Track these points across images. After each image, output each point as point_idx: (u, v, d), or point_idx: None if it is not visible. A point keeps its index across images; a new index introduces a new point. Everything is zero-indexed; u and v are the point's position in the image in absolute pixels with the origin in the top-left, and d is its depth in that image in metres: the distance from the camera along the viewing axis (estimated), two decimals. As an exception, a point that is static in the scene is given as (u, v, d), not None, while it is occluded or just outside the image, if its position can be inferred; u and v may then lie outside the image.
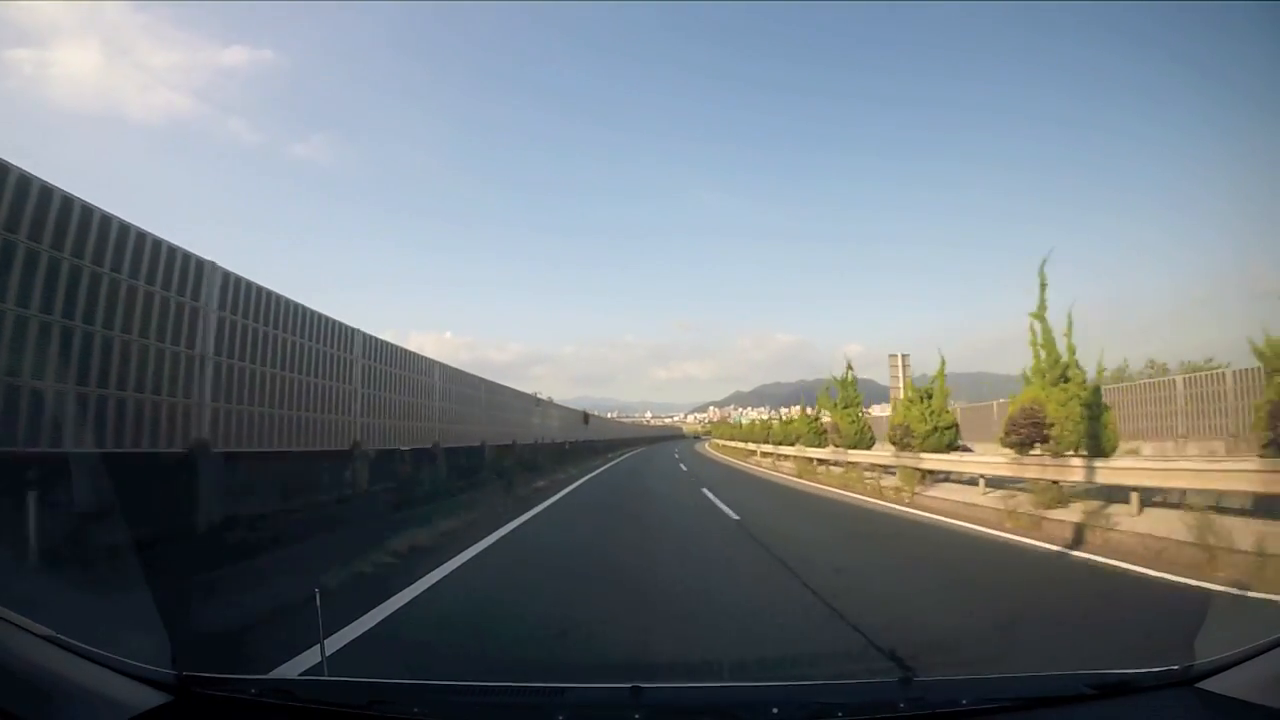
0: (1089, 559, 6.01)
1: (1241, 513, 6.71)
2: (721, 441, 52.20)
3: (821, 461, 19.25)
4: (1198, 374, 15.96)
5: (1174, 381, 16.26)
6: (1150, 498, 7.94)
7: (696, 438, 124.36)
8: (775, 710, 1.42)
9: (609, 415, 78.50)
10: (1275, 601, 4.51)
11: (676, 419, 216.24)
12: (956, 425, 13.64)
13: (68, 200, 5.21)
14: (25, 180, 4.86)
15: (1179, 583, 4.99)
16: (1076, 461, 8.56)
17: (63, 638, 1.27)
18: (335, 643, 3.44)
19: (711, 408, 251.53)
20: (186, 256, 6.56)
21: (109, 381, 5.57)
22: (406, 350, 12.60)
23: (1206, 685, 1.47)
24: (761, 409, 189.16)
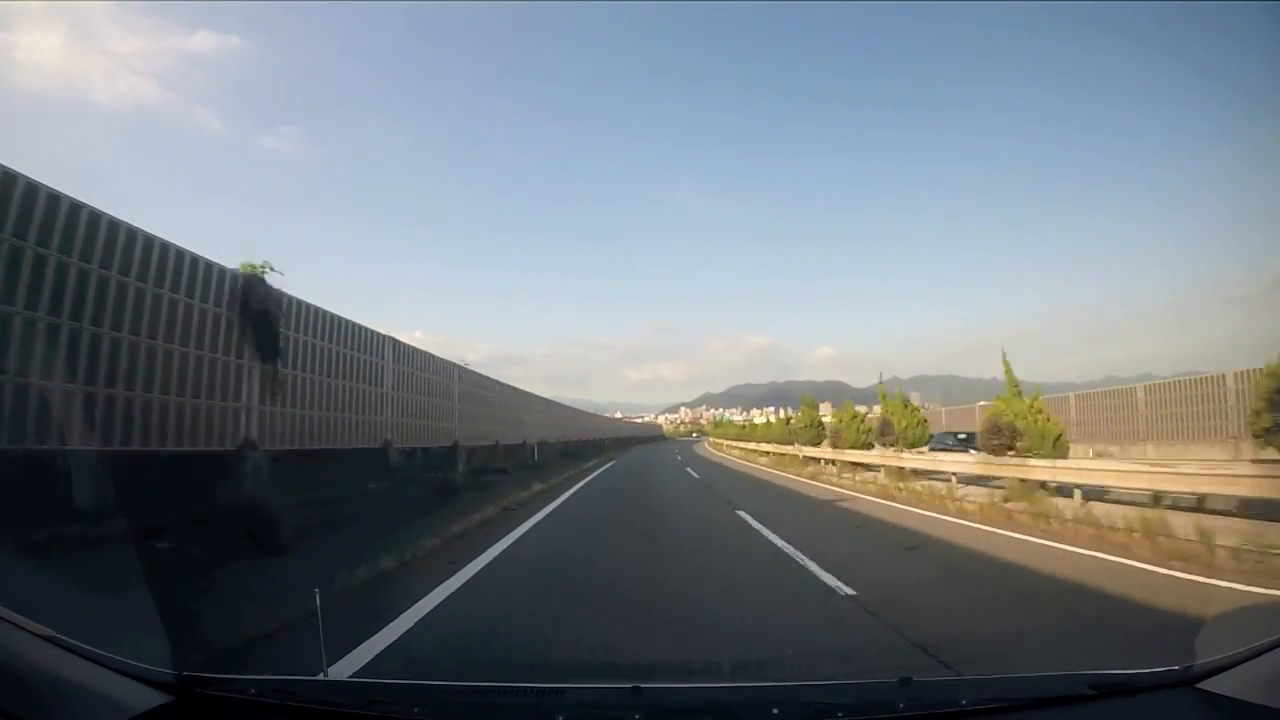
0: None
1: None
2: (764, 447, 31.20)
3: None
4: None
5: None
6: None
7: (693, 437, 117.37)
8: (776, 710, 1.42)
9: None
10: (1276, 600, 4.51)
11: (647, 419, 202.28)
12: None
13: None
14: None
15: None
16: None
17: (63, 638, 1.27)
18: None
19: (683, 408, 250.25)
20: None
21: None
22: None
23: (1207, 685, 1.47)
24: (733, 410, 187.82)
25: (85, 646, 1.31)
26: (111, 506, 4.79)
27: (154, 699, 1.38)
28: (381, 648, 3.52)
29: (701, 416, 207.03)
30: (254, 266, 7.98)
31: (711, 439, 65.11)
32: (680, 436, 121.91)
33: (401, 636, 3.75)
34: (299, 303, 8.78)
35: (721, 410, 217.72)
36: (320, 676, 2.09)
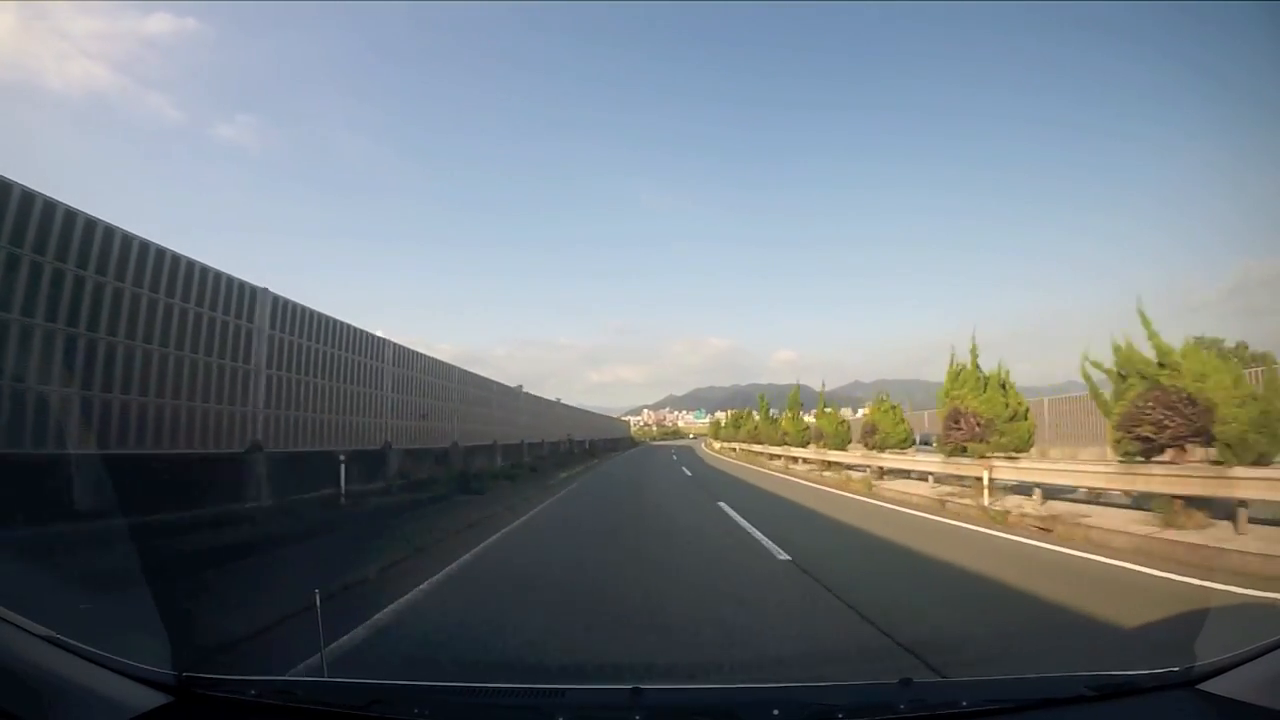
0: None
1: None
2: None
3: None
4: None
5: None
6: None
7: (692, 437, 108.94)
8: (776, 711, 1.42)
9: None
10: (1276, 601, 4.51)
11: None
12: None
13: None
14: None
15: None
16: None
17: (63, 638, 1.27)
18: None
19: (645, 410, 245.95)
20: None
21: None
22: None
23: (1207, 686, 1.47)
24: (696, 412, 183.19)
25: (85, 647, 1.31)
26: (111, 507, 4.76)
27: (154, 699, 1.38)
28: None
29: (665, 419, 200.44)
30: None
31: (719, 443, 49.12)
32: (654, 440, 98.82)
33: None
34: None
35: (683, 412, 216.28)
36: (320, 677, 2.09)
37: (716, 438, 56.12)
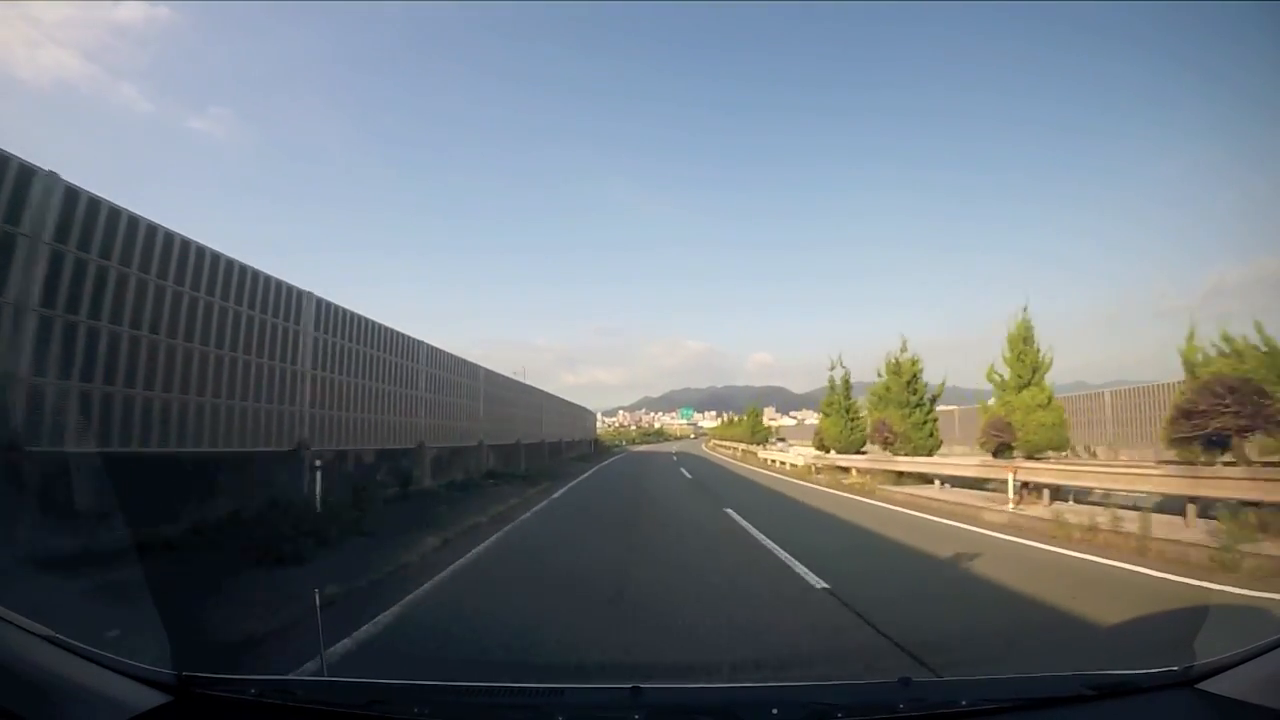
0: None
1: None
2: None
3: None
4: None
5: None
6: None
7: (692, 437, 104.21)
8: (775, 710, 1.42)
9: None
10: (1275, 601, 4.51)
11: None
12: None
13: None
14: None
15: None
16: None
17: (63, 638, 1.27)
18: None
19: (621, 412, 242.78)
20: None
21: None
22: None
23: (1206, 686, 1.47)
24: (672, 414, 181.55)
25: (85, 646, 1.31)
26: (113, 508, 4.77)
27: (154, 699, 1.38)
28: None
29: (642, 419, 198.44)
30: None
31: (799, 456, 28.47)
32: (633, 442, 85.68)
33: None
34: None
35: (659, 413, 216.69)
36: (320, 676, 2.09)
37: (756, 443, 37.67)
